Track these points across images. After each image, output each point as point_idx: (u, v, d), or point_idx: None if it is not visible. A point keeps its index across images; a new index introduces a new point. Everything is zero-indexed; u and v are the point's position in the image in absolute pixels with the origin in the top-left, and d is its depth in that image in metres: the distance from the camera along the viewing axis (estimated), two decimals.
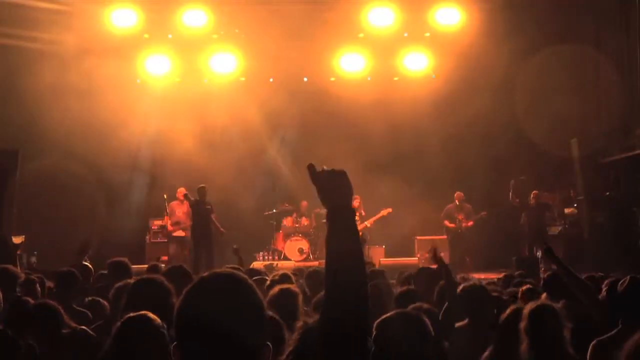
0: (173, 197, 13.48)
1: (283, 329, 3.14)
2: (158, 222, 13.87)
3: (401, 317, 3.08)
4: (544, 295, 5.68)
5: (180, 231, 13.33)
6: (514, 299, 5.25)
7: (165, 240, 13.58)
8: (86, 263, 7.70)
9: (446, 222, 13.89)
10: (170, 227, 13.42)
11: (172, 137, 14.61)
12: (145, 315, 3.13)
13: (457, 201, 13.87)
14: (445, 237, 14.00)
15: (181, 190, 13.32)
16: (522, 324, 3.65)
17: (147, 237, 13.98)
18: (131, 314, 3.15)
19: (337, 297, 1.71)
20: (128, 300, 3.66)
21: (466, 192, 13.87)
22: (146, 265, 11.65)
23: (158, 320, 3.11)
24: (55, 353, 4.22)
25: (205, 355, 1.60)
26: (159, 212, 13.89)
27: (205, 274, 1.71)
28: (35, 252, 12.31)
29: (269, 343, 1.66)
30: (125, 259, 6.37)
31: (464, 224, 13.73)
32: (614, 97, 12.91)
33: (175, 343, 1.64)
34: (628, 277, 4.25)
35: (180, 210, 13.36)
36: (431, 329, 3.03)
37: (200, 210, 12.72)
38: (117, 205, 14.05)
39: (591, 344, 3.89)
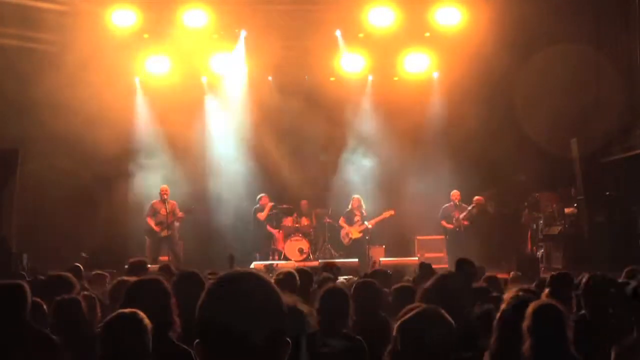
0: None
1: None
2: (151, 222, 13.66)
3: (423, 314, 3.02)
4: (545, 293, 5.68)
5: (165, 231, 13.08)
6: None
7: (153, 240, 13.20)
8: (77, 264, 7.74)
9: (443, 223, 13.77)
10: (156, 228, 13.10)
11: (172, 137, 14.61)
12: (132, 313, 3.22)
13: (453, 201, 13.74)
14: (443, 237, 13.99)
15: (165, 189, 13.26)
16: (525, 323, 3.60)
17: (147, 237, 13.91)
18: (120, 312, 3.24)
19: None
20: (125, 300, 3.67)
21: (466, 192, 13.81)
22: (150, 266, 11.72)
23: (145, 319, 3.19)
24: None
25: (228, 352, 1.60)
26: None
27: (224, 272, 1.70)
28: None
29: (288, 339, 1.66)
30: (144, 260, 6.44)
31: (462, 222, 13.59)
32: (614, 97, 12.90)
33: (197, 340, 1.64)
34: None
35: (163, 209, 13.13)
36: (451, 321, 2.98)
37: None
38: (117, 206, 14.03)
39: (612, 349, 3.86)
